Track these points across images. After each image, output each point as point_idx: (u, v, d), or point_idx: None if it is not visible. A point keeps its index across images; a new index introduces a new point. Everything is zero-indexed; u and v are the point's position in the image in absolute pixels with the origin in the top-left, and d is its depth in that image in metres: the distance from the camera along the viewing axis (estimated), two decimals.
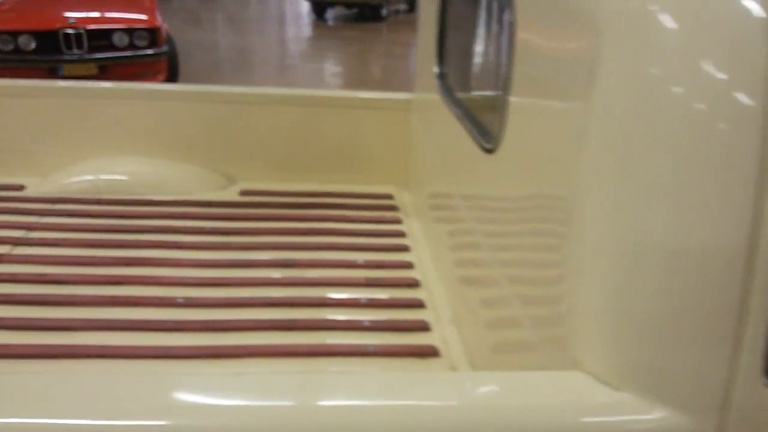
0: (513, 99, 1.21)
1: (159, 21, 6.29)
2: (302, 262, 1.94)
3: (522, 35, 1.18)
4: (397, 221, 2.26)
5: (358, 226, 2.20)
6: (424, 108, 2.21)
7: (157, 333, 1.60)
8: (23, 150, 2.40)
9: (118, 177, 2.37)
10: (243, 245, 2.02)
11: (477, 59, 1.83)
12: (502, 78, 1.33)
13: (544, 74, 1.08)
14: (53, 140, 2.40)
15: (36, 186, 2.35)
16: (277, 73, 8.44)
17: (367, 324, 1.67)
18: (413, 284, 1.87)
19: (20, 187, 2.34)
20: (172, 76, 6.61)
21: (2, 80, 2.40)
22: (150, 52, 6.17)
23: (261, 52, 9.79)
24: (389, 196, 2.45)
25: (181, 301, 1.72)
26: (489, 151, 1.34)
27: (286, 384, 0.84)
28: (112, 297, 1.72)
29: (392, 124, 2.46)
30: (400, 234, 2.17)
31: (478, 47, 1.81)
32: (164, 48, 6.32)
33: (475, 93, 1.77)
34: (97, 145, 2.42)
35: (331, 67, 9.16)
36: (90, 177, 2.35)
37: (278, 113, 2.43)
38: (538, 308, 1.07)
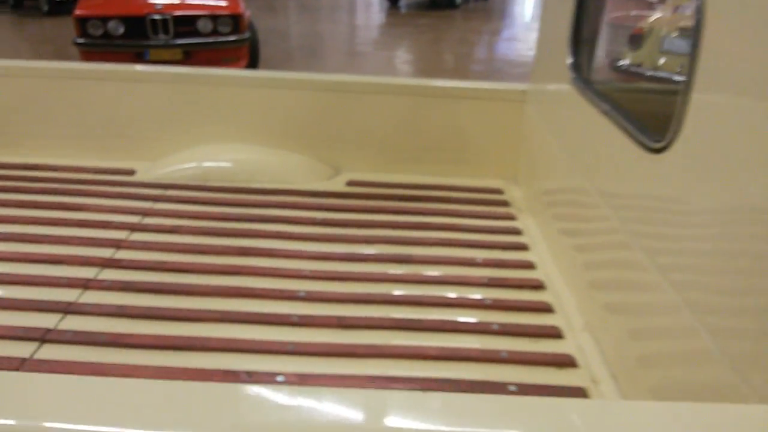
0: (696, 94, 1.10)
1: (242, 8, 6.34)
2: (417, 258, 1.86)
3: (713, 21, 1.06)
4: (511, 217, 2.16)
5: (471, 222, 2.11)
6: (546, 100, 2.10)
7: (283, 327, 1.55)
8: (133, 135, 2.41)
9: (225, 164, 2.35)
10: (353, 238, 1.96)
11: (624, 49, 1.71)
12: (675, 70, 1.21)
13: (740, 65, 0.97)
14: (161, 126, 2.40)
15: (146, 171, 2.36)
16: (350, 60, 8.40)
17: (495, 328, 1.58)
18: (538, 286, 1.77)
19: (131, 172, 2.35)
20: (253, 62, 6.66)
21: (113, 65, 2.41)
22: (233, 38, 6.23)
23: (334, 39, 9.78)
24: (498, 191, 2.35)
25: (302, 294, 1.67)
26: (657, 150, 1.23)
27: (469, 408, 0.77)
28: (232, 288, 1.68)
29: (504, 115, 2.36)
30: (516, 231, 2.07)
31: (626, 36, 1.69)
32: (246, 34, 6.37)
33: (626, 85, 1.65)
34: (205, 131, 2.40)
35: (404, 55, 9.06)
36: (198, 164, 2.34)
37: (387, 102, 2.36)
38: (717, 319, 0.97)
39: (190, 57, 6.16)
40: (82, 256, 1.79)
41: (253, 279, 1.74)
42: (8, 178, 2.26)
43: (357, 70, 7.58)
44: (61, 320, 1.54)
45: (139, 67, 2.39)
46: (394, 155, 2.43)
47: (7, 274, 1.71)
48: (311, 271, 1.78)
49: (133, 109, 2.38)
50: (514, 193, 2.34)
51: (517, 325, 1.60)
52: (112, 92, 2.36)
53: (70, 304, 1.59)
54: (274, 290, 1.69)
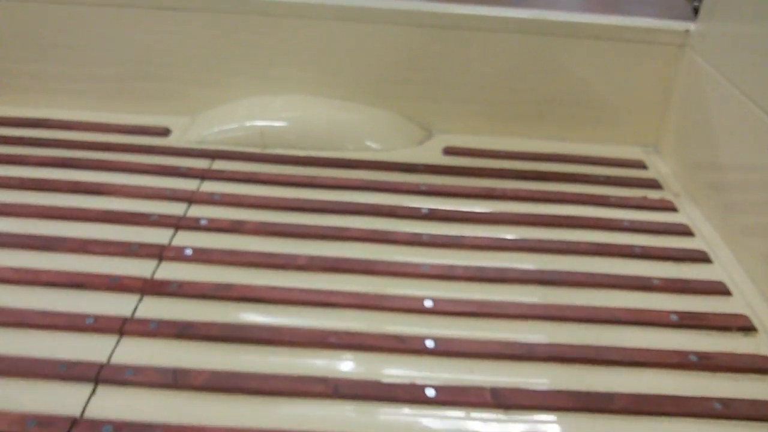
0: None
1: None
2: (565, 278, 1.35)
3: None
4: (671, 208, 1.63)
5: (621, 214, 1.58)
6: (728, 43, 1.52)
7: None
8: (166, 80, 1.84)
9: (286, 124, 1.79)
10: (483, 244, 1.44)
11: None
12: None
13: None
14: (203, 68, 1.82)
15: (184, 130, 1.81)
16: None
17: (718, 408, 1.10)
18: (748, 327, 1.27)
19: (165, 132, 1.80)
20: None
21: None
22: None
23: None
24: (640, 164, 1.81)
25: (429, 304, 1.20)
26: None
27: None
28: (319, 332, 1.19)
29: (653, 63, 1.78)
30: (686, 231, 1.55)
31: None
32: None
33: None
34: (258, 77, 1.83)
35: None
36: (251, 123, 1.78)
37: (495, 42, 1.78)
38: None
39: None
40: (109, 276, 1.28)
41: (353, 314, 1.24)
42: (4, 141, 1.71)
43: None
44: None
45: None
46: (501, 113, 1.86)
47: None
48: (438, 287, 1.29)
49: (166, 46, 1.79)
50: (659, 168, 1.80)
51: (734, 387, 1.12)
52: (138, 23, 1.77)
53: (102, 366, 1.10)
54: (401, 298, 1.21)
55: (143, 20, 1.76)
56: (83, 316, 1.18)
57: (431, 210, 1.53)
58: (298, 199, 1.54)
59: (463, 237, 1.45)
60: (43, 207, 1.45)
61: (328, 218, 1.49)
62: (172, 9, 1.75)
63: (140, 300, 1.23)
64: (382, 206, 1.54)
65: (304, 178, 1.63)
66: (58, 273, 1.27)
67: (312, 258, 1.35)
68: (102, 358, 1.11)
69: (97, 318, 1.18)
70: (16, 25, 1.78)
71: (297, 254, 1.36)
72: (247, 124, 1.77)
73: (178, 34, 1.77)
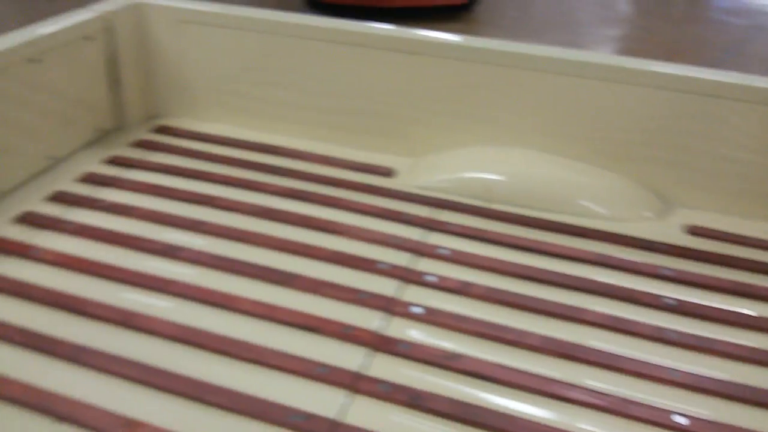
0: None
1: None
2: None
3: None
4: None
5: None
6: None
7: None
8: (392, 119, 1.84)
9: (515, 180, 1.71)
10: (740, 354, 1.26)
11: None
12: None
13: None
14: (429, 111, 1.80)
15: (408, 172, 1.79)
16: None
17: None
18: None
19: (389, 172, 1.79)
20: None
21: (361, 25, 1.81)
22: None
23: None
24: None
25: (681, 421, 1.05)
26: None
27: None
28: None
29: None
30: None
31: None
32: None
33: None
34: (486, 125, 1.77)
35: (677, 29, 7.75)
36: (479, 174, 1.72)
37: (759, 115, 1.58)
38: None
39: None
40: (341, 325, 1.26)
41: (594, 416, 1.12)
42: (245, 165, 1.78)
43: (613, 41, 6.52)
44: None
45: (408, 33, 1.77)
46: (761, 193, 1.66)
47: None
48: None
49: (396, 85, 1.79)
50: None
51: None
52: (372, 61, 1.78)
53: (336, 425, 1.07)
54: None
55: (378, 59, 1.77)
56: (316, 364, 1.16)
57: (679, 302, 1.37)
58: (526, 267, 1.45)
59: (716, 341, 1.28)
60: (277, 239, 1.48)
61: (559, 294, 1.39)
62: (407, 53, 1.74)
63: (369, 355, 1.20)
64: (619, 288, 1.40)
65: (531, 242, 1.53)
66: (292, 312, 1.28)
67: (545, 339, 1.25)
68: (333, 413, 1.08)
69: (329, 369, 1.16)
70: (260, 53, 1.86)
71: (528, 332, 1.27)
72: (474, 175, 1.71)
73: (410, 75, 1.76)
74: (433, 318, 1.29)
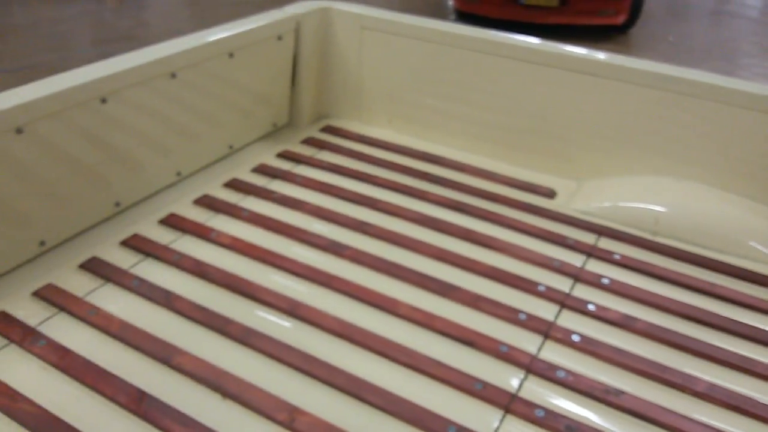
0: None
1: None
2: None
3: None
4: None
5: None
6: None
7: None
8: (554, 138, 1.81)
9: (686, 215, 1.63)
10: None
11: None
12: None
13: None
14: (595, 134, 1.75)
15: (570, 195, 1.75)
16: (715, 22, 6.78)
17: None
18: None
19: (550, 193, 1.76)
20: (632, 19, 5.68)
21: (529, 40, 1.78)
22: None
23: None
24: None
25: None
26: None
27: None
28: None
29: None
30: None
31: None
32: None
33: None
34: (655, 155, 1.70)
35: None
36: (648, 205, 1.65)
37: None
38: None
39: (566, 4, 5.42)
40: (499, 343, 1.25)
41: None
42: (407, 171, 1.82)
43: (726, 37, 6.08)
44: None
45: (579, 52, 1.72)
46: None
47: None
48: None
49: (565, 105, 1.76)
50: None
51: None
52: (544, 79, 1.76)
53: None
54: None
55: (551, 78, 1.74)
56: (473, 379, 1.16)
57: None
58: (694, 307, 1.37)
59: None
60: (438, 249, 1.50)
61: (729, 341, 1.30)
62: (583, 73, 1.70)
63: (525, 378, 1.19)
64: None
65: (700, 283, 1.45)
66: (449, 323, 1.29)
67: (712, 387, 1.18)
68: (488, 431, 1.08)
69: (485, 386, 1.15)
70: (433, 63, 1.89)
71: (695, 376, 1.20)
72: (641, 205, 1.65)
73: (582, 97, 1.72)
74: (592, 348, 1.25)
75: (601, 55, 1.70)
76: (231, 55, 1.71)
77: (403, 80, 1.95)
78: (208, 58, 1.65)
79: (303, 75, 1.98)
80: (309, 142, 1.95)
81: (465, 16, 5.95)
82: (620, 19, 5.54)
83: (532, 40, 1.77)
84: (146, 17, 5.94)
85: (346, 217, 1.59)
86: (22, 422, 1.04)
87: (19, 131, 1.28)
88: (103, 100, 1.42)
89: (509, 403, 1.12)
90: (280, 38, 1.85)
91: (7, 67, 4.59)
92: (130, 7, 6.19)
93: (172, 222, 1.54)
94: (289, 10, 1.90)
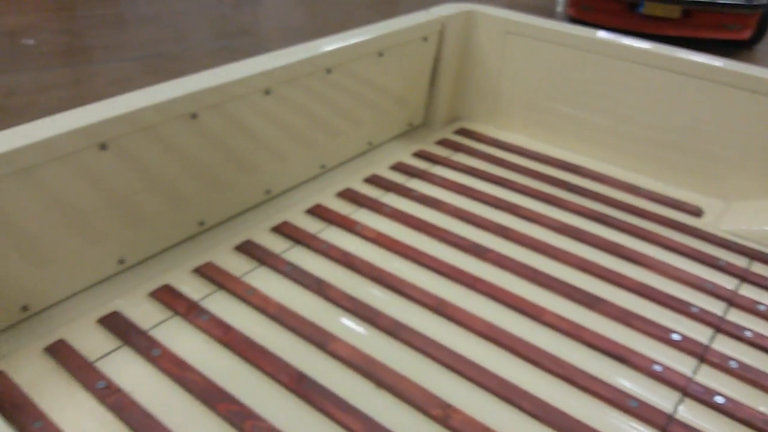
0: None
1: None
2: None
3: None
4: None
5: None
6: None
7: None
8: (702, 156, 1.74)
9: None
10: None
11: None
12: None
13: None
14: (748, 154, 1.67)
15: (717, 215, 1.68)
16: None
17: None
18: None
19: (697, 212, 1.70)
20: (759, 34, 5.40)
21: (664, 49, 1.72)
22: (742, 2, 5.07)
23: None
24: None
25: None
26: None
27: None
28: None
29: None
30: None
31: None
32: (761, 1, 5.13)
33: None
34: None
35: None
36: None
37: None
38: None
39: (689, 17, 5.21)
40: (652, 362, 1.22)
41: None
42: (544, 179, 1.80)
43: None
44: None
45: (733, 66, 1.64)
46: None
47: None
48: None
49: (717, 122, 1.69)
50: None
51: None
52: (696, 92, 1.69)
53: None
54: None
55: (702, 91, 1.68)
56: (626, 396, 1.14)
57: None
58: None
59: None
60: (581, 259, 1.48)
61: None
62: (734, 87, 1.63)
63: (681, 400, 1.15)
64: None
65: None
66: (598, 336, 1.26)
67: None
68: None
69: (641, 404, 1.12)
70: (577, 72, 1.86)
71: None
72: None
73: (733, 113, 1.65)
74: (751, 376, 1.20)
75: (756, 70, 1.62)
76: (380, 54, 1.74)
77: (543, 86, 1.93)
78: (359, 57, 1.69)
79: (442, 76, 2.00)
80: (444, 143, 1.96)
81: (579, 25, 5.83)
82: (746, 34, 5.28)
83: (685, 52, 1.71)
84: (263, 14, 6.15)
85: (487, 221, 1.59)
86: (190, 390, 1.10)
87: (194, 116, 1.35)
88: (267, 92, 1.48)
89: (666, 425, 1.09)
90: (425, 39, 1.87)
91: (136, 55, 4.86)
92: (248, 4, 6.43)
93: (318, 212, 1.59)
94: (435, 12, 1.92)
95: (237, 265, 1.40)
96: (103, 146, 1.21)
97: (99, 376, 1.11)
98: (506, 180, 1.77)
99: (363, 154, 1.88)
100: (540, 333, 1.28)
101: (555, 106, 1.93)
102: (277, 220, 1.56)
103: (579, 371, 1.19)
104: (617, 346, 1.24)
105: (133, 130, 1.25)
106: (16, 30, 5.13)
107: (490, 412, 1.11)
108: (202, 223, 1.49)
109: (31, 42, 4.92)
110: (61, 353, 1.16)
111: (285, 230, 1.51)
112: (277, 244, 1.48)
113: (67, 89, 4.10)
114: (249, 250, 1.44)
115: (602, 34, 1.83)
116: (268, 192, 1.61)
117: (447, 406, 1.10)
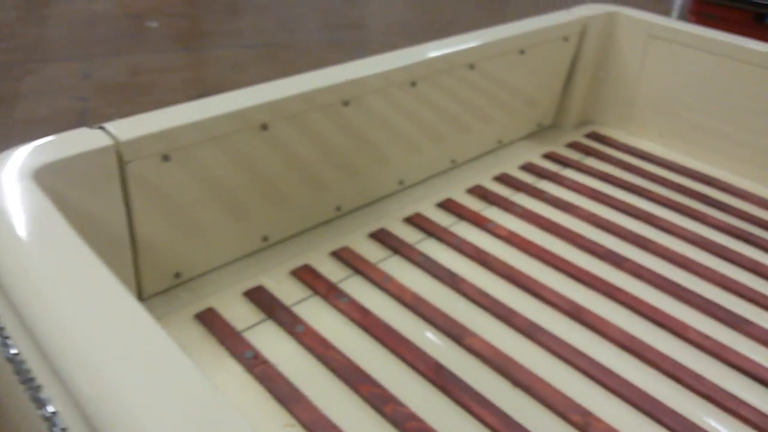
0: None
1: None
2: None
3: None
4: None
5: None
6: None
7: None
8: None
9: None
10: None
11: None
12: None
13: None
14: None
15: None
16: None
17: None
18: None
19: None
20: None
21: None
22: None
23: None
24: None
25: None
26: None
27: None
28: None
29: None
30: None
31: None
32: None
33: None
34: None
35: None
36: None
37: None
38: None
39: None
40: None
41: None
42: (681, 190, 1.73)
43: None
44: None
45: None
46: None
47: None
48: None
49: None
50: None
51: None
52: None
53: None
54: None
55: None
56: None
57: None
58: None
59: None
60: (724, 277, 1.42)
61: None
62: None
63: None
64: None
65: None
66: (744, 358, 1.21)
67: None
68: None
69: None
70: (723, 81, 1.78)
71: None
72: None
73: None
74: None
75: None
76: (522, 52, 1.72)
77: (685, 95, 1.86)
78: (501, 54, 1.68)
79: (577, 78, 1.96)
80: (574, 146, 1.93)
81: None
82: None
83: None
84: (373, 8, 6.22)
85: (622, 229, 1.55)
86: (332, 368, 1.13)
87: (346, 103, 1.38)
88: (413, 84, 1.50)
89: None
90: (566, 39, 1.84)
91: (251, 42, 5.03)
92: None
93: (449, 206, 1.59)
94: (577, 12, 1.88)
95: (372, 252, 1.43)
96: (264, 127, 1.26)
97: (247, 346, 1.16)
98: (641, 188, 1.72)
99: (492, 152, 1.87)
100: (682, 349, 1.24)
101: (696, 117, 1.85)
102: (409, 211, 1.58)
103: (724, 392, 1.14)
104: (763, 370, 1.19)
105: (289, 114, 1.29)
106: (142, 13, 5.41)
107: (631, 425, 1.08)
108: (338, 209, 1.52)
109: (154, 24, 5.18)
110: (211, 321, 1.21)
111: (417, 221, 1.53)
112: (409, 235, 1.49)
113: (189, 71, 4.30)
114: (383, 238, 1.46)
115: (756, 44, 1.74)
116: (401, 182, 1.63)
117: (587, 414, 1.08)
